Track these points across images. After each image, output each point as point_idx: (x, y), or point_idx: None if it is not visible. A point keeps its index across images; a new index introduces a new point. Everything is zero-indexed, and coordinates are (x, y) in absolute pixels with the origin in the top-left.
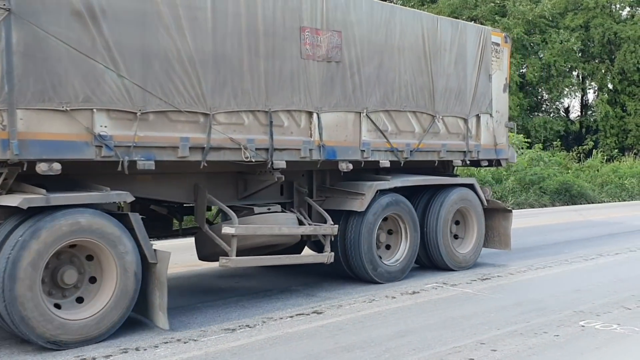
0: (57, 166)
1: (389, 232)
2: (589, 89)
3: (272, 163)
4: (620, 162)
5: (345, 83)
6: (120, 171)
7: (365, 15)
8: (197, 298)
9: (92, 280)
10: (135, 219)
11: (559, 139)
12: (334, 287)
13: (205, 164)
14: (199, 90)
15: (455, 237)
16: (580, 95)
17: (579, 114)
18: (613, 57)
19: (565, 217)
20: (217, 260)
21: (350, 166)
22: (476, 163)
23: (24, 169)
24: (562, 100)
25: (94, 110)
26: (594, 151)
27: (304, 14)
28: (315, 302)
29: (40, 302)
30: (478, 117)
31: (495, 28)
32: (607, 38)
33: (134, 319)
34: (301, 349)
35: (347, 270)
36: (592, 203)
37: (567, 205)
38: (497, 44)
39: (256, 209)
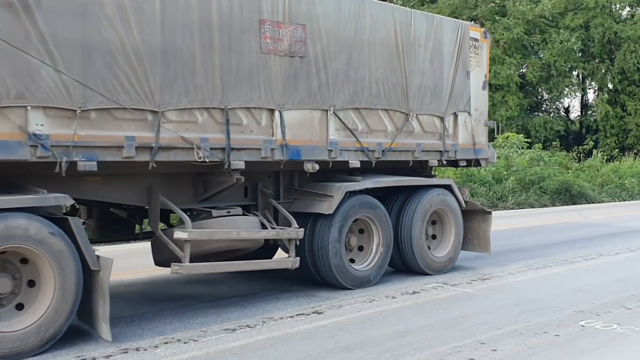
0: None
1: (360, 232)
2: (589, 88)
3: (230, 164)
4: (620, 162)
5: (311, 79)
6: (66, 172)
7: (332, 7)
8: (197, 298)
9: (31, 283)
10: (75, 223)
11: (558, 139)
12: (334, 287)
13: (154, 165)
14: (146, 86)
15: (434, 237)
16: (580, 95)
17: (579, 113)
18: (613, 57)
19: (565, 217)
20: None
21: (317, 167)
22: (454, 163)
23: None
24: (562, 100)
25: (28, 107)
26: (594, 151)
27: (264, 5)
28: (315, 302)
29: None
30: (455, 115)
31: (475, 23)
32: (607, 38)
33: (134, 319)
34: (301, 349)
35: (316, 276)
36: (592, 203)
37: (567, 205)
38: (476, 40)
39: (214, 212)
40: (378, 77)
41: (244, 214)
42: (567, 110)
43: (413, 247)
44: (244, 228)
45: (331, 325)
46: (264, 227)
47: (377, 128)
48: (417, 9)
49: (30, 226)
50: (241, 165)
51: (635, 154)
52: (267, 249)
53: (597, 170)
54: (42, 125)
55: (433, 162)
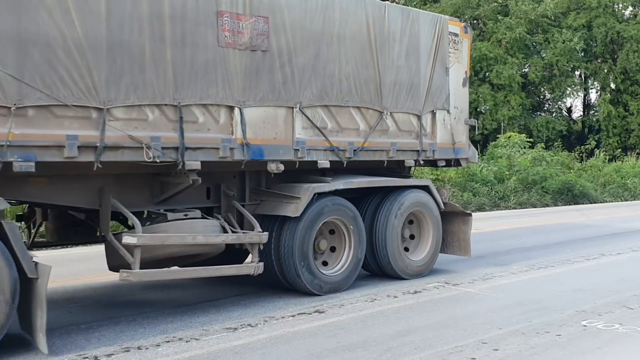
0: None
1: (332, 233)
2: (592, 88)
3: (184, 164)
4: (622, 161)
5: (274, 74)
6: (2, 174)
7: None
8: (199, 297)
9: None
10: (10, 228)
11: (561, 139)
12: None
13: (100, 165)
14: (89, 82)
15: (412, 237)
16: (582, 95)
17: (582, 113)
18: (616, 56)
19: (568, 217)
20: None
21: (282, 167)
22: (433, 163)
23: None
24: (564, 100)
25: None
26: (597, 151)
27: None
28: (317, 301)
29: None
30: (433, 113)
31: (454, 18)
32: (609, 37)
33: (136, 318)
34: (303, 348)
35: (283, 282)
36: (595, 203)
37: (569, 205)
38: (456, 35)
39: (170, 215)
40: (349, 73)
41: (203, 217)
42: (569, 110)
43: (387, 251)
44: (201, 232)
45: (333, 324)
46: (225, 230)
47: (349, 126)
48: (420, 8)
49: None
50: (197, 165)
51: (638, 153)
52: (242, 252)
53: (600, 170)
54: None
55: (410, 162)
